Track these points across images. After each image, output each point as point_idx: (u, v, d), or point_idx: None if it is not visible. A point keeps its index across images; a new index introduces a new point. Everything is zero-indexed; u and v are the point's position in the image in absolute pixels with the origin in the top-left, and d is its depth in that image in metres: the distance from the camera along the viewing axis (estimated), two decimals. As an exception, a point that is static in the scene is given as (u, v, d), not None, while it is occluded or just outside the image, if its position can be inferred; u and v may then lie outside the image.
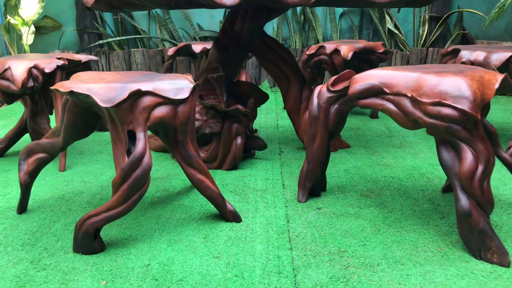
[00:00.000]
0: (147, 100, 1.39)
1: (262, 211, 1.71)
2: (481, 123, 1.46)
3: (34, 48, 4.74)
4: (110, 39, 4.57)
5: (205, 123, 2.11)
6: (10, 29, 4.34)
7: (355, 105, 1.59)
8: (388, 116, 1.46)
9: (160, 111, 1.42)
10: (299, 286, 1.21)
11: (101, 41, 4.59)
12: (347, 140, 2.67)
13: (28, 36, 4.25)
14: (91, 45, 4.62)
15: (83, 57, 2.43)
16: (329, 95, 1.71)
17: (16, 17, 4.15)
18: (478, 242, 1.36)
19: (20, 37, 4.34)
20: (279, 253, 1.38)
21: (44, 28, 4.67)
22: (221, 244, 1.45)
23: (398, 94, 1.49)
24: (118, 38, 4.60)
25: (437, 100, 1.39)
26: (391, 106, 1.51)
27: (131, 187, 1.34)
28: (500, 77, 1.48)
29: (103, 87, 1.35)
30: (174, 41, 4.73)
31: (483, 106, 1.43)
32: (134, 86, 1.37)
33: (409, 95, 1.45)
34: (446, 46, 4.50)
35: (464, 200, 1.37)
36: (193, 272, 1.28)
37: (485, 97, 1.42)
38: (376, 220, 1.62)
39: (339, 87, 1.68)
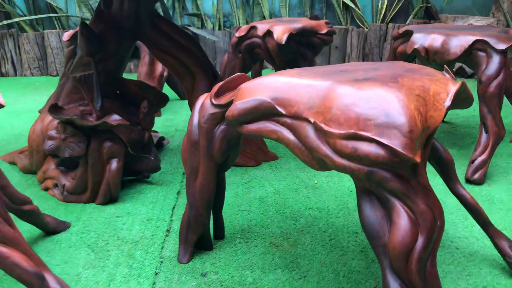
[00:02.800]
0: None
1: (118, 285, 1.17)
2: (425, 163, 0.94)
3: None
4: (18, 19, 3.87)
5: (64, 142, 1.53)
6: None
7: (240, 131, 1.04)
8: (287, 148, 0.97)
9: None
10: None
11: (8, 21, 3.88)
12: (276, 148, 2.13)
13: None
14: (-3, 26, 3.91)
15: None
16: (212, 110, 1.15)
17: None
18: None
19: None
20: None
21: None
22: None
23: (298, 117, 0.95)
24: (29, 18, 3.90)
25: (352, 131, 0.86)
26: (288, 134, 0.97)
27: None
28: (453, 87, 0.95)
29: None
30: (98, 20, 4.06)
31: (428, 135, 0.91)
32: None
33: (312, 120, 0.91)
34: (407, 22, 3.98)
35: (394, 293, 0.86)
36: None
37: (429, 123, 0.89)
38: (278, 299, 1.11)
39: (226, 99, 1.13)
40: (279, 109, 0.97)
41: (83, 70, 1.72)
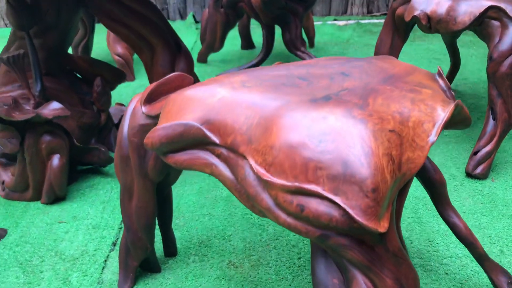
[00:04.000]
0: None
1: (42, 323, 1.00)
2: (398, 220, 0.72)
3: None
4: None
5: (-6, 138, 1.32)
6: None
7: (166, 161, 0.81)
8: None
9: None
10: None
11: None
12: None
13: None
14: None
15: None
16: (143, 121, 0.91)
17: None
18: None
19: None
20: None
21: None
22: None
23: (234, 150, 0.71)
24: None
25: (297, 184, 0.62)
26: (225, 170, 0.74)
27: None
28: (442, 113, 0.69)
29: None
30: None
31: (404, 183, 0.67)
32: None
33: (251, 161, 0.68)
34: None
35: None
36: None
37: (405, 169, 0.65)
38: None
39: (158, 108, 0.89)
40: (212, 137, 0.74)
41: (18, 46, 1.47)
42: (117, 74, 1.61)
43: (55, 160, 1.36)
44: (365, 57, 0.91)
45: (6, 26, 3.71)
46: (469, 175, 1.46)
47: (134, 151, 0.94)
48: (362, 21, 3.44)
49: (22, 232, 1.29)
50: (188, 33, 3.30)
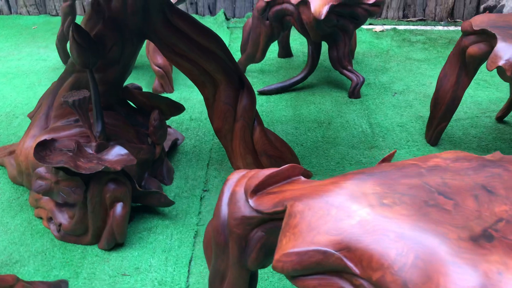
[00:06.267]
0: None
1: None
2: None
3: None
4: None
5: (56, 186, 1.24)
6: None
7: (294, 284, 0.75)
8: None
9: None
10: None
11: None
12: (307, 155, 1.82)
13: None
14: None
15: None
16: (248, 213, 0.84)
17: None
18: None
19: None
20: None
21: None
22: None
23: (379, 285, 0.65)
24: None
25: None
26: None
27: None
28: None
29: None
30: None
31: None
32: None
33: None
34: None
35: None
36: None
37: None
38: None
39: (269, 204, 0.81)
40: (353, 267, 0.67)
41: (76, 79, 1.37)
42: (176, 107, 1.53)
43: (119, 208, 1.29)
44: (494, 156, 0.84)
45: (29, 14, 3.57)
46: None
47: (235, 242, 0.87)
48: (398, 27, 3.32)
49: (84, 285, 1.24)
50: (219, 32, 3.17)
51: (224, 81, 1.47)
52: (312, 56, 2.30)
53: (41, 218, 1.46)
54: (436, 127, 1.84)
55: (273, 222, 0.84)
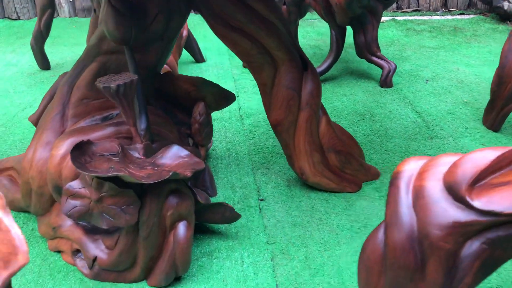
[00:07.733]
0: None
1: None
2: None
3: None
4: None
5: (98, 205, 0.89)
6: None
7: None
8: None
9: None
10: None
11: None
12: (363, 150, 1.54)
13: None
14: None
15: None
16: (462, 217, 0.56)
17: None
18: None
19: None
20: None
21: None
22: None
23: None
24: None
25: None
26: None
27: None
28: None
29: None
30: None
31: None
32: None
33: None
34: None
35: None
36: None
37: None
38: None
39: (502, 200, 0.54)
40: None
41: (102, 63, 1.04)
42: (224, 97, 1.22)
43: (182, 229, 0.96)
44: None
45: (19, 19, 3.11)
46: None
47: (440, 262, 0.58)
48: (397, 18, 3.17)
49: None
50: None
51: (287, 60, 1.18)
52: (337, 42, 2.05)
53: (59, 251, 1.10)
54: (500, 110, 1.63)
55: (502, 228, 0.56)
